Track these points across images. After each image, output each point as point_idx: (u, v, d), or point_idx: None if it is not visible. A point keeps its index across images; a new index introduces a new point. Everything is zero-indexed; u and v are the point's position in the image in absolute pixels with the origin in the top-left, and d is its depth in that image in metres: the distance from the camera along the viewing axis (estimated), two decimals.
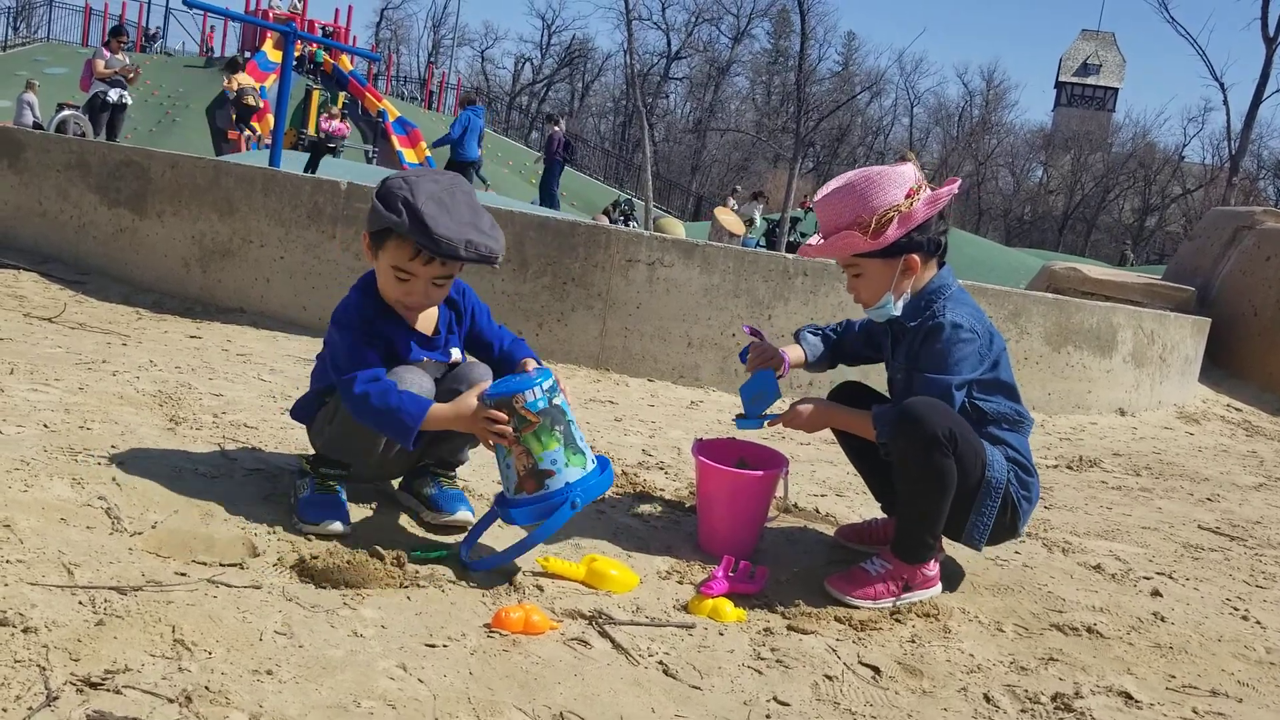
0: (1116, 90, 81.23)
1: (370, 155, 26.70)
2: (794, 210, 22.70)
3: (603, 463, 2.47)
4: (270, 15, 33.08)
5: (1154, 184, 58.78)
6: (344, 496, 2.49)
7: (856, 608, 2.49)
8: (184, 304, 6.18)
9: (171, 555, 2.13)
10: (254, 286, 6.07)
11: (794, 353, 2.96)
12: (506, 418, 2.30)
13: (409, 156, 28.15)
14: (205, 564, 2.11)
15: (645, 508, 3.08)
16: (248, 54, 34.21)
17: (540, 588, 2.32)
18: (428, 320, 2.58)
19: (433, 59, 57.74)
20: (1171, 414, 7.00)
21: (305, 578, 2.13)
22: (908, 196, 2.60)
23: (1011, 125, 67.33)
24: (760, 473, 2.73)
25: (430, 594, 2.17)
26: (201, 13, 35.96)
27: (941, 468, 2.43)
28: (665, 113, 59.68)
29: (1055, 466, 4.87)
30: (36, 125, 19.52)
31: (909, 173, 2.67)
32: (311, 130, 28.09)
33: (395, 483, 2.76)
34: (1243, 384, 8.56)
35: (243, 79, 20.49)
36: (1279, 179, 57.15)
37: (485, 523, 2.47)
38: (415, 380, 2.40)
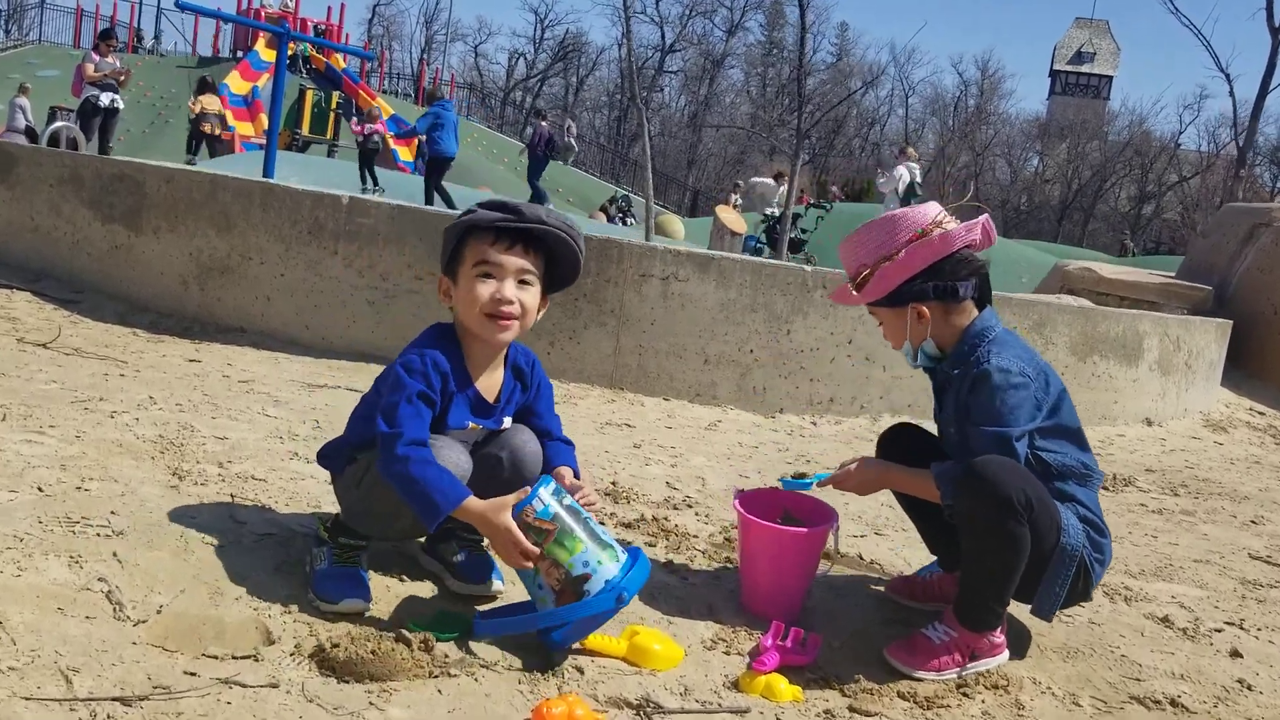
0: (1111, 78, 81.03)
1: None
2: (797, 207, 22.46)
3: (634, 553, 2.27)
4: (263, 13, 32.81)
5: (1151, 172, 58.63)
6: (365, 568, 2.30)
7: (920, 680, 2.30)
8: (182, 323, 5.98)
9: (179, 648, 1.93)
10: (254, 305, 5.87)
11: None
12: (533, 540, 2.13)
13: (403, 154, 27.89)
14: (217, 657, 1.92)
15: (681, 560, 2.89)
16: (240, 53, 33.98)
17: (580, 669, 2.12)
18: (492, 384, 2.39)
19: (425, 55, 57.42)
20: (1198, 422, 6.82)
21: (326, 670, 1.93)
22: (910, 240, 2.46)
23: (1007, 115, 67.15)
24: (807, 529, 2.54)
25: (463, 684, 1.98)
26: (193, 14, 35.73)
27: (1015, 535, 2.24)
28: (660, 106, 59.39)
29: None
30: (29, 129, 19.27)
31: (916, 217, 2.52)
32: (307, 132, 27.89)
33: (419, 540, 2.57)
34: (1263, 386, 8.39)
35: (207, 102, 20.08)
36: (1274, 165, 57.01)
37: (514, 624, 2.23)
38: (452, 457, 2.20)
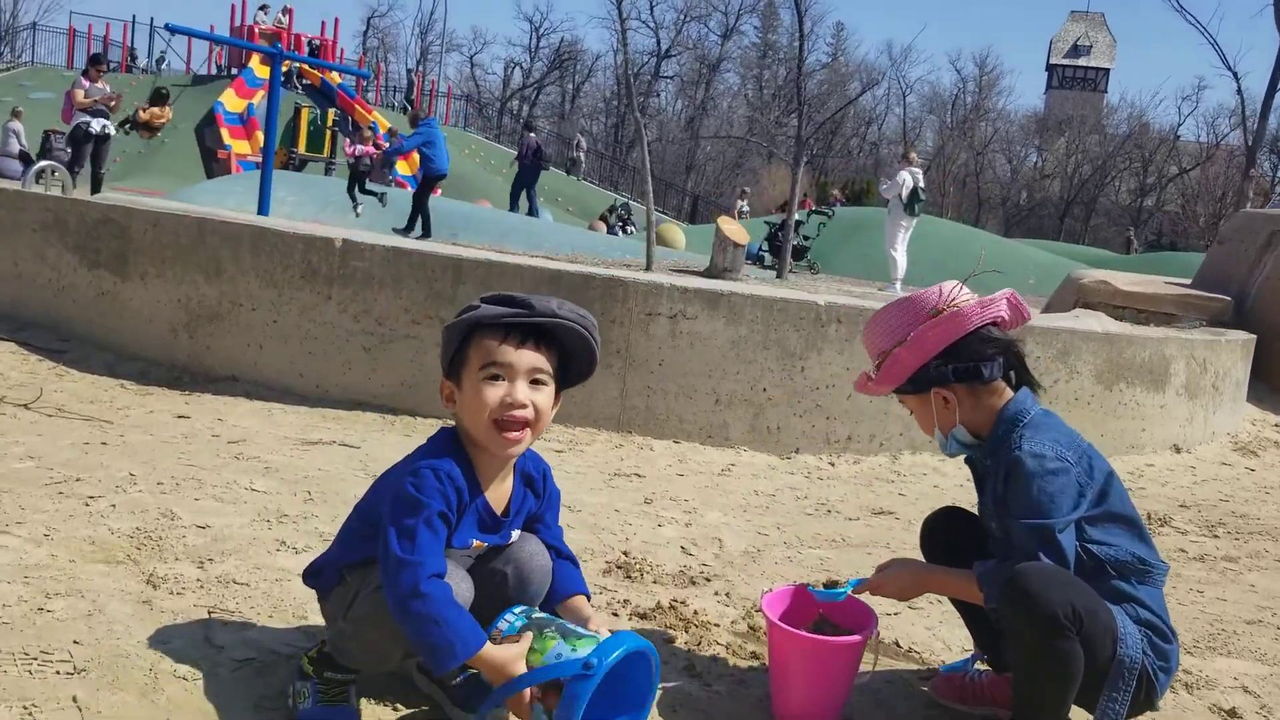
0: (1108, 71, 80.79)
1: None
2: (800, 214, 22.28)
3: (618, 635, 2.03)
4: (256, 29, 32.59)
5: (1151, 165, 58.39)
6: (355, 704, 2.07)
7: None
8: (172, 373, 5.76)
9: None
10: (246, 353, 5.65)
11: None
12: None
13: (402, 169, 27.70)
14: None
15: (703, 656, 2.66)
16: (234, 70, 33.78)
17: None
18: (500, 495, 2.16)
19: (421, 66, 57.21)
20: (1227, 446, 6.59)
21: None
22: (920, 321, 2.28)
23: (1005, 111, 66.90)
24: (845, 639, 2.31)
25: None
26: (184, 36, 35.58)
27: (1066, 653, 2.02)
28: (657, 111, 59.19)
29: None
30: (23, 154, 19.04)
31: (929, 297, 2.33)
32: (304, 150, 27.66)
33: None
34: None
35: (155, 114, 19.82)
36: (1275, 154, 56.68)
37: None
38: (454, 586, 1.98)
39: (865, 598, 2.42)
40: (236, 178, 21.90)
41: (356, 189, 17.04)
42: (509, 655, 1.92)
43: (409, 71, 36.59)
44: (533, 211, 21.45)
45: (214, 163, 28.58)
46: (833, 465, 5.25)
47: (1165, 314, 8.94)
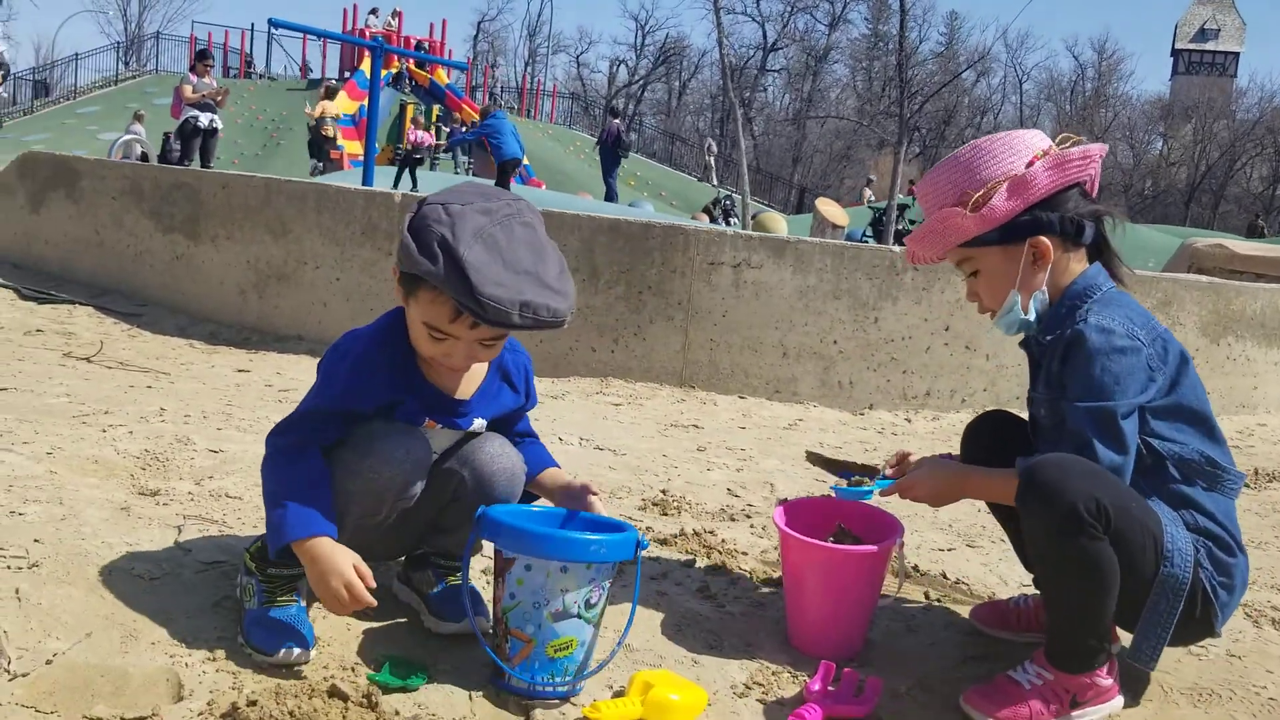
0: (1237, 55, 77.22)
1: (466, 166, 26.47)
2: (902, 197, 21.73)
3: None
4: (366, 33, 33.25)
5: None
6: (304, 603, 1.90)
7: None
8: (240, 334, 5.76)
9: (59, 708, 1.57)
10: (311, 311, 5.61)
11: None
12: (366, 591, 1.76)
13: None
14: (102, 719, 1.55)
15: (719, 581, 2.44)
16: (347, 74, 34.54)
17: None
18: (455, 382, 1.97)
19: (529, 67, 57.76)
20: None
21: None
22: (1030, 164, 1.93)
23: (1127, 97, 64.45)
24: (865, 548, 2.06)
25: None
26: (297, 34, 36.47)
27: (1091, 554, 1.73)
28: (763, 105, 58.61)
29: None
30: (143, 156, 19.71)
31: (1035, 138, 1.99)
32: (407, 146, 28.09)
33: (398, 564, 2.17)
34: None
35: (327, 106, 20.36)
36: None
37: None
38: (398, 449, 1.84)
39: (894, 506, 2.16)
40: (346, 174, 22.30)
41: (407, 173, 17.20)
42: (335, 560, 1.76)
43: (462, 71, 36.93)
44: (610, 196, 21.43)
45: (326, 162, 29.25)
46: (909, 421, 4.95)
47: None
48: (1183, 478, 1.91)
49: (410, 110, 28.47)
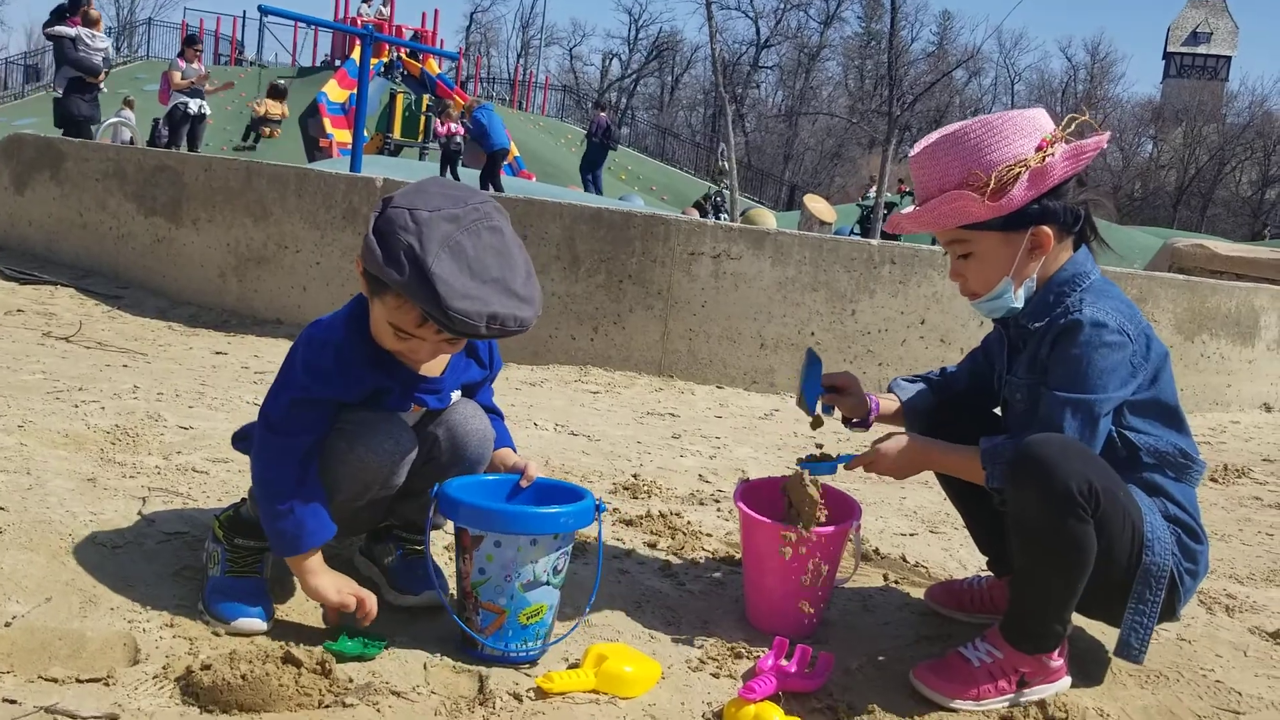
0: (1229, 59, 77.43)
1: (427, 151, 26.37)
2: (890, 195, 21.79)
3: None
4: (359, 22, 33.13)
5: (1275, 154, 55.71)
6: (266, 576, 1.92)
7: (954, 711, 1.84)
8: (220, 316, 5.77)
9: (15, 669, 1.59)
10: (290, 295, 5.62)
11: (885, 401, 2.26)
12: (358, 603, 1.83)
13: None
14: (57, 680, 1.57)
15: (681, 562, 2.47)
16: (338, 62, 34.41)
17: (517, 698, 1.72)
18: (439, 359, 1.98)
19: (521, 59, 57.67)
20: None
21: (189, 698, 1.57)
22: (1039, 149, 1.90)
23: (1118, 99, 64.61)
24: (820, 529, 2.08)
25: (358, 717, 1.59)
26: (288, 21, 36.30)
27: (1076, 537, 1.76)
28: (755, 102, 58.61)
29: None
30: (131, 141, 19.64)
31: (1042, 119, 1.96)
32: (399, 135, 28.02)
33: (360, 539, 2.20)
34: None
35: (271, 106, 20.34)
36: None
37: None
38: (388, 441, 1.88)
39: (862, 492, 2.19)
40: (332, 161, 22.23)
41: (448, 172, 17.10)
42: (318, 574, 1.83)
43: (453, 61, 36.72)
44: (596, 190, 21.43)
45: (316, 151, 29.14)
46: None
47: (1269, 280, 8.40)
48: (1155, 467, 1.94)
49: (400, 99, 28.41)
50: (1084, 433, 1.84)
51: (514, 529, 1.80)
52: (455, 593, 1.93)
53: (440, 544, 2.28)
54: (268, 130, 20.28)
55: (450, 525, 1.91)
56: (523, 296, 1.78)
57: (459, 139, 17.75)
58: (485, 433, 2.01)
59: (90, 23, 11.22)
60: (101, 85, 11.28)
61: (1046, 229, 1.93)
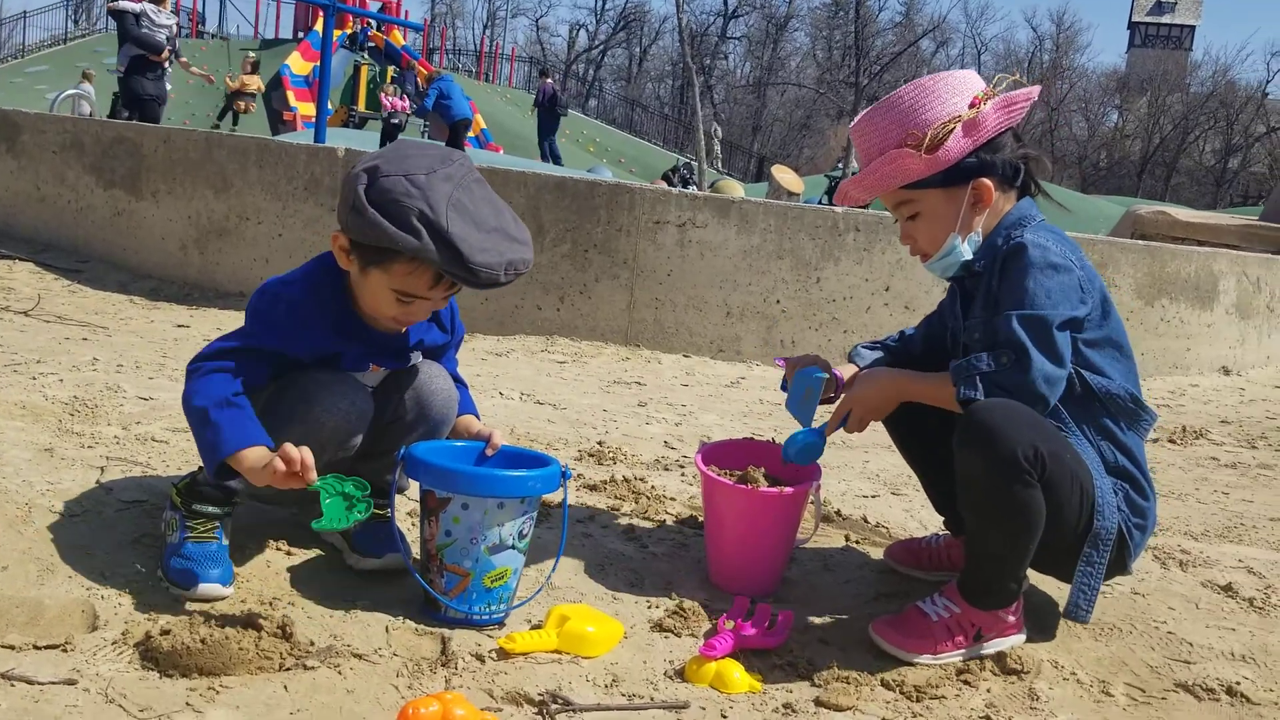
0: (1193, 28, 77.86)
1: (422, 130, 26.20)
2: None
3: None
4: None
5: (1236, 123, 56.20)
6: (225, 542, 1.91)
7: (912, 665, 1.87)
8: (182, 290, 5.72)
9: None
10: (253, 267, 5.57)
11: (847, 370, 2.27)
12: (298, 461, 1.70)
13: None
14: (14, 647, 1.57)
15: (645, 525, 2.48)
16: (301, 34, 33.98)
17: (479, 658, 1.73)
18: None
19: (488, 30, 57.19)
20: None
21: (148, 662, 1.57)
22: (972, 105, 1.94)
23: (1083, 69, 64.87)
24: (780, 490, 2.10)
25: (320, 679, 1.60)
26: None
27: (1023, 502, 1.78)
28: (724, 73, 58.43)
29: (1155, 440, 4.17)
30: (91, 115, 19.33)
31: (972, 78, 2.00)
32: (363, 108, 27.74)
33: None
34: None
35: (246, 80, 20.09)
36: None
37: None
38: (343, 401, 1.88)
39: (828, 455, 2.19)
40: (299, 135, 21.99)
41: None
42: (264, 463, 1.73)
43: (418, 30, 36.37)
44: (554, 157, 21.30)
45: (280, 124, 28.79)
46: None
47: (1229, 246, 8.50)
48: (1107, 412, 1.96)
49: (364, 71, 28.11)
50: (1041, 345, 1.84)
51: (482, 491, 1.81)
52: (419, 555, 1.94)
53: (403, 509, 2.28)
54: (243, 105, 20.03)
55: (414, 489, 1.91)
56: (522, 240, 1.84)
57: (401, 115, 17.60)
58: (450, 393, 2.03)
59: None
60: (167, 64, 10.84)
61: (986, 181, 1.96)
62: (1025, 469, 1.76)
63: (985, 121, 1.94)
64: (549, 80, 21.83)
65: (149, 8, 10.61)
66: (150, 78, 10.57)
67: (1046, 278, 1.87)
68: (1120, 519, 1.92)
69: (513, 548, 1.88)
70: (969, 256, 2.01)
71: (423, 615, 1.86)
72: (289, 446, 1.69)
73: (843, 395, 2.11)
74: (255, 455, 1.72)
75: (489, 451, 1.99)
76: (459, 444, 2.02)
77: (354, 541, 2.03)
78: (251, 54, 22.25)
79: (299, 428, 1.84)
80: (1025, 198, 2.05)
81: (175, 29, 11.18)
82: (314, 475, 1.69)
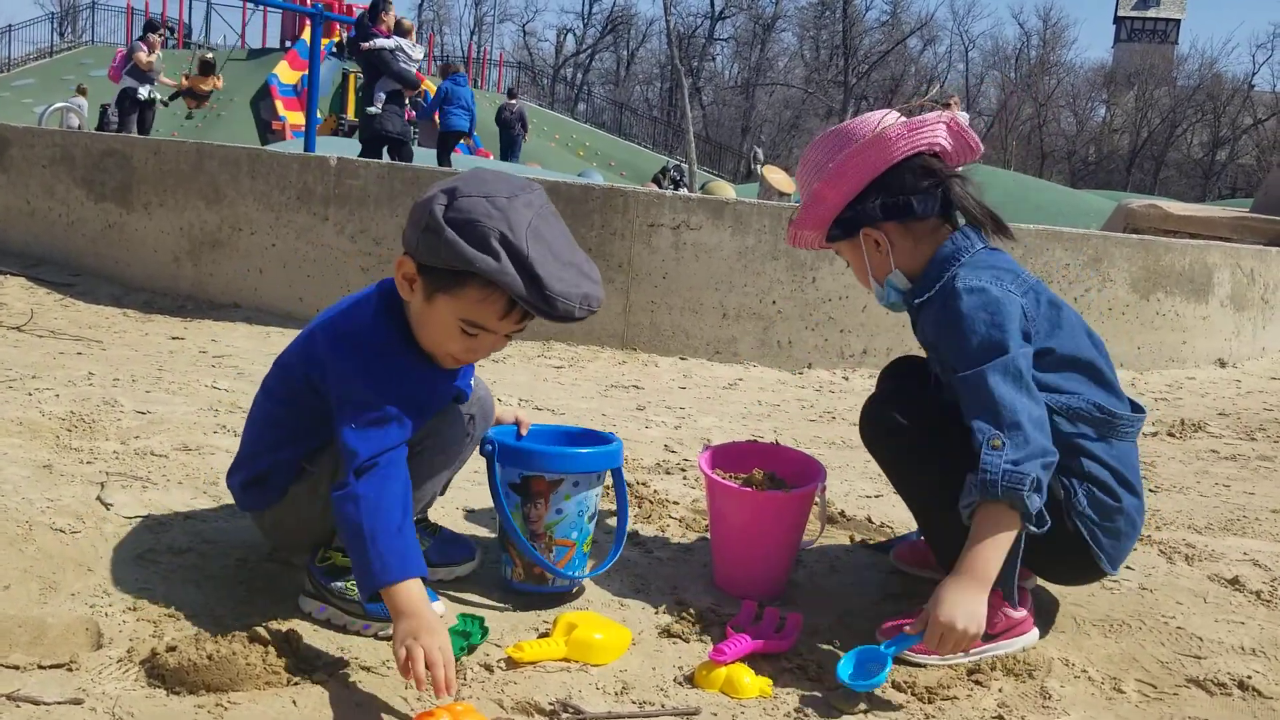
0: (1179, 21, 78.13)
1: (412, 135, 26.15)
2: None
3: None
4: (308, 0, 32.66)
5: (1223, 116, 56.39)
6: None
7: (921, 667, 1.86)
8: (176, 302, 5.69)
9: None
10: (246, 279, 5.55)
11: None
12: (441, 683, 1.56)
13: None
14: (19, 668, 1.55)
15: (650, 530, 2.47)
16: (289, 43, 33.94)
17: (489, 668, 1.72)
18: None
19: (475, 36, 57.18)
20: (1279, 361, 6.21)
21: (155, 680, 1.56)
22: (844, 150, 1.95)
23: (1071, 64, 65.03)
24: (786, 492, 2.09)
25: (327, 693, 1.59)
26: (236, 3, 35.79)
27: (903, 447, 2.03)
28: (712, 75, 58.46)
29: (1154, 434, 4.17)
30: (81, 128, 19.30)
31: (860, 125, 1.99)
32: (352, 116, 27.70)
33: None
34: None
35: (197, 81, 20.03)
36: None
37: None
38: (456, 446, 1.97)
39: (827, 456, 2.19)
40: (288, 145, 21.97)
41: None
42: (419, 615, 1.60)
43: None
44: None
45: (269, 134, 28.76)
46: (846, 380, 5.02)
47: (1221, 238, 8.51)
48: (1073, 427, 1.93)
49: (353, 79, 28.07)
50: (1014, 390, 1.80)
51: (592, 468, 2.02)
52: (509, 538, 2.01)
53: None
54: (194, 103, 19.96)
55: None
56: (594, 278, 1.78)
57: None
58: (489, 391, 2.10)
59: (403, 32, 10.39)
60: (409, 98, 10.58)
61: (871, 232, 1.99)
62: (888, 417, 2.00)
63: (844, 172, 1.95)
64: (513, 102, 22.37)
65: (404, 42, 10.24)
66: (399, 111, 10.29)
67: (979, 319, 1.85)
68: (1079, 524, 1.89)
69: (595, 514, 2.09)
70: (895, 299, 2.07)
71: (508, 594, 2.02)
72: (435, 656, 1.55)
73: (918, 613, 1.86)
74: (415, 602, 1.63)
75: (523, 433, 2.11)
76: (537, 428, 2.17)
77: (434, 558, 2.02)
78: (209, 54, 22.08)
79: (445, 474, 1.98)
80: (964, 226, 2.01)
81: (422, 63, 10.95)
82: (453, 691, 1.58)
